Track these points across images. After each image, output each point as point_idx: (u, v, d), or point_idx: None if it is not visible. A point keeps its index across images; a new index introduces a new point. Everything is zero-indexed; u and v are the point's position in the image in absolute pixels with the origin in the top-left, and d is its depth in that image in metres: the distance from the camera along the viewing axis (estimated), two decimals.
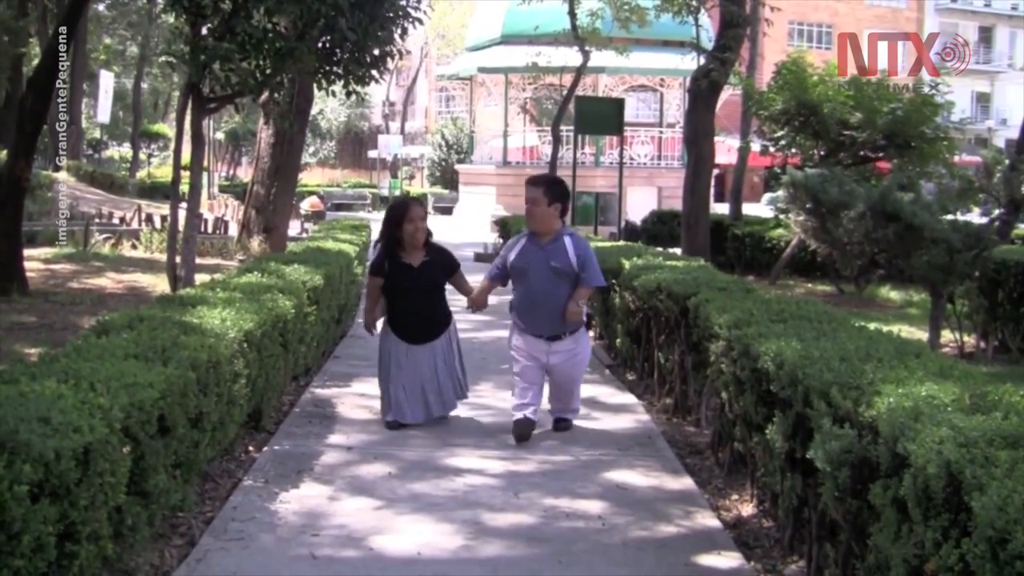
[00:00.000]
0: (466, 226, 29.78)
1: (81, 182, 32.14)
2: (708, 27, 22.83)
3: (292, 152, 17.45)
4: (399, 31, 10.53)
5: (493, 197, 31.43)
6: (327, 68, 10.42)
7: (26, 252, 12.96)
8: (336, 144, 63.56)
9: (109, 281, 13.64)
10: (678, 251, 14.00)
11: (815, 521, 3.92)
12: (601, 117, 20.63)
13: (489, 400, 7.30)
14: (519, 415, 6.28)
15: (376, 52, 10.33)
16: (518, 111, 35.16)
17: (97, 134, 52.77)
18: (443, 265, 6.64)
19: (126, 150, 56.46)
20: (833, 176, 12.12)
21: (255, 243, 16.62)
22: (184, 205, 10.13)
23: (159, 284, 12.48)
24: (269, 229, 16.82)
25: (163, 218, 17.59)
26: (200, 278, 8.74)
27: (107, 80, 39.02)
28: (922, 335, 10.05)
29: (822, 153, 16.20)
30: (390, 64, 10.92)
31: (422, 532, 4.58)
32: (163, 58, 14.13)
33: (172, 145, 13.27)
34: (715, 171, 19.34)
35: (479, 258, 18.76)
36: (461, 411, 6.81)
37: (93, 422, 3.03)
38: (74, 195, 25.70)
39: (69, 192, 25.08)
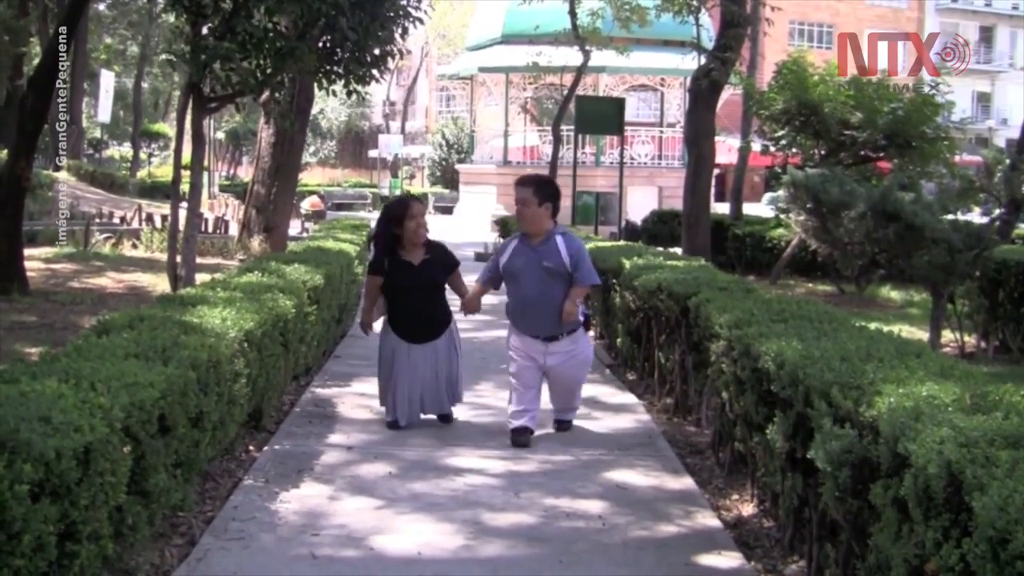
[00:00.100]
0: (466, 226, 29.78)
1: (82, 181, 32.15)
2: (709, 27, 22.85)
3: (293, 152, 17.45)
4: (400, 31, 10.53)
5: (493, 197, 31.44)
6: (328, 67, 10.42)
7: (26, 252, 12.97)
8: (337, 144, 63.58)
9: (110, 281, 13.65)
10: (679, 251, 14.01)
11: (816, 521, 3.92)
12: (602, 117, 20.66)
13: (489, 400, 7.29)
14: (517, 423, 6.22)
15: (377, 52, 10.33)
16: (519, 111, 35.19)
17: (98, 134, 52.77)
18: (443, 263, 6.60)
19: (126, 150, 56.49)
20: (834, 176, 12.11)
21: (255, 243, 16.62)
22: (185, 205, 10.13)
23: (159, 284, 12.49)
24: (269, 229, 16.82)
25: (163, 218, 17.59)
26: (200, 278, 8.74)
27: (108, 79, 39.03)
28: (923, 335, 10.04)
29: (823, 153, 16.20)
30: (391, 64, 10.91)
31: (422, 532, 4.58)
32: (164, 56, 14.13)
33: (172, 145, 13.26)
34: (716, 171, 19.34)
35: (479, 258, 18.75)
36: (461, 411, 6.80)
37: (94, 422, 3.03)
38: (74, 195, 25.71)
39: (70, 192, 25.10)
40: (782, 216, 15.13)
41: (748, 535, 4.69)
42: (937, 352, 4.23)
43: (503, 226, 21.52)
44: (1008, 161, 13.95)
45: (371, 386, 6.97)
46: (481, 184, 33.53)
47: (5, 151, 17.99)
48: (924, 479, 2.72)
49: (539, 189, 6.30)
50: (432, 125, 58.27)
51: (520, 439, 6.16)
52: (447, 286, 6.67)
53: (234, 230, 19.62)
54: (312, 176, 52.96)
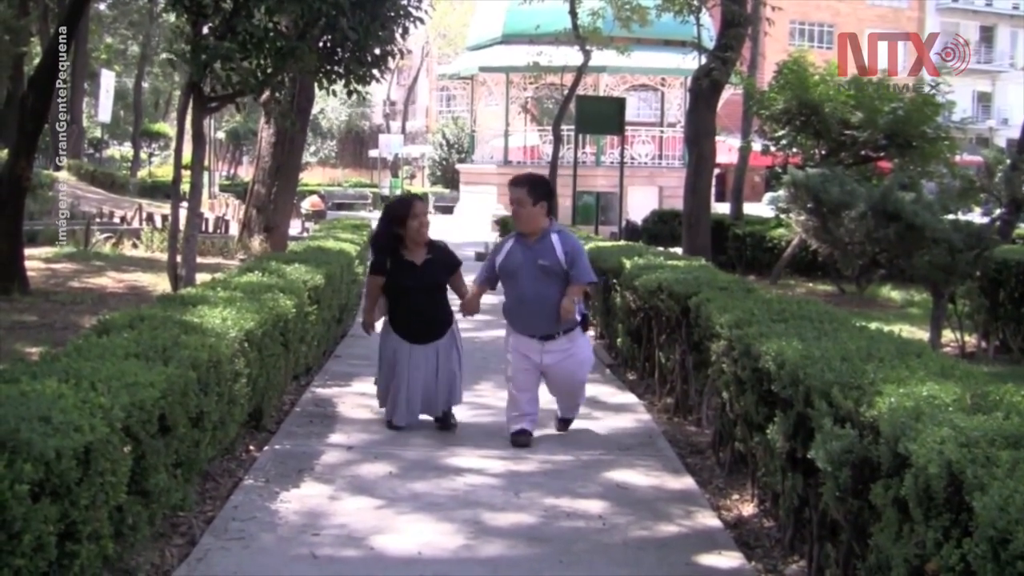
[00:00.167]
0: (467, 225, 29.79)
1: (82, 181, 32.15)
2: (709, 26, 22.84)
3: (293, 151, 17.46)
4: (400, 30, 10.53)
5: (494, 196, 31.44)
6: (328, 67, 10.42)
7: (27, 251, 12.97)
8: (337, 143, 63.60)
9: (110, 280, 13.65)
10: (679, 251, 14.00)
11: (816, 521, 3.92)
12: (602, 116, 20.66)
13: (489, 400, 7.29)
14: (516, 427, 6.21)
15: (377, 51, 10.33)
16: (519, 110, 35.20)
17: (98, 133, 52.74)
18: (445, 263, 6.55)
19: (127, 149, 56.50)
20: (834, 176, 12.10)
21: (256, 242, 16.62)
22: (185, 204, 10.13)
23: (160, 283, 12.48)
24: (270, 228, 16.83)
25: (164, 217, 17.60)
26: (201, 277, 8.74)
27: (108, 79, 39.04)
28: (923, 335, 10.04)
29: (823, 153, 16.20)
30: (391, 63, 10.92)
31: (423, 532, 4.58)
32: (164, 56, 14.13)
33: (173, 144, 13.26)
34: (716, 171, 19.34)
35: (479, 257, 18.75)
36: (461, 411, 6.79)
37: (94, 421, 3.03)
38: (75, 194, 25.71)
39: (70, 191, 25.10)
40: (782, 216, 15.13)
41: (748, 535, 4.69)
42: (938, 352, 4.23)
43: (503, 226, 21.52)
44: (1009, 161, 13.95)
45: (372, 386, 6.97)
46: (481, 184, 33.53)
47: (6, 151, 17.99)
48: (925, 479, 2.71)
49: (533, 188, 6.24)
50: (432, 125, 58.27)
51: (520, 439, 6.16)
52: (448, 286, 6.62)
53: (234, 230, 19.62)
54: (312, 176, 52.97)
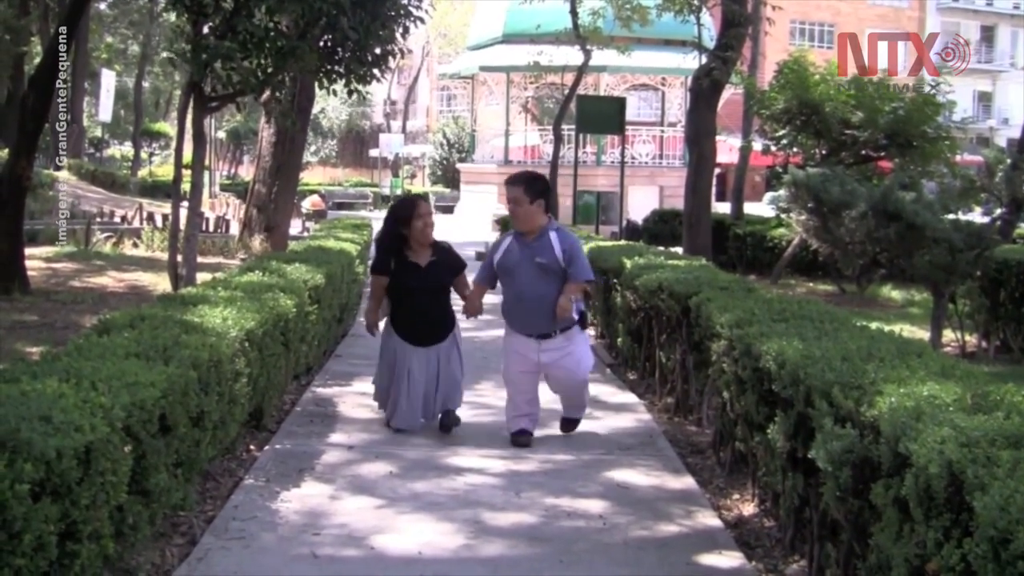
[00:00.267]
0: (467, 225, 29.78)
1: (82, 181, 32.15)
2: (710, 26, 22.82)
3: (294, 151, 17.46)
4: (401, 30, 10.53)
5: (494, 196, 31.42)
6: (329, 67, 10.42)
7: (27, 251, 12.97)
8: (338, 143, 63.60)
9: (110, 280, 13.65)
10: (679, 250, 14.00)
11: (816, 521, 3.92)
12: (602, 116, 20.65)
13: (490, 399, 7.28)
14: (516, 427, 6.20)
15: (378, 51, 10.33)
16: (519, 110, 35.19)
17: (98, 133, 52.81)
18: (450, 265, 6.48)
19: (127, 149, 56.50)
20: (835, 175, 12.10)
21: (256, 242, 16.62)
22: (185, 204, 10.13)
23: (160, 283, 12.49)
24: (270, 228, 16.82)
25: (164, 217, 17.59)
26: (201, 277, 8.74)
27: (108, 79, 39.02)
28: (924, 335, 10.04)
29: (824, 152, 16.19)
30: (391, 63, 10.92)
31: (423, 531, 4.58)
32: (165, 55, 14.14)
33: (173, 144, 13.27)
34: (717, 170, 19.35)
35: (480, 257, 18.74)
36: (462, 411, 6.77)
37: (94, 421, 3.03)
38: (75, 194, 25.71)
39: (70, 191, 25.11)
40: (783, 216, 15.11)
41: (749, 535, 4.69)
42: (938, 352, 4.23)
43: (504, 225, 21.49)
44: (1009, 161, 13.94)
45: (372, 386, 6.96)
46: (482, 183, 33.52)
47: (6, 150, 18.00)
48: (925, 479, 2.71)
49: (529, 187, 6.17)
50: (433, 124, 58.28)
51: (520, 439, 6.15)
52: (452, 288, 6.55)
53: (235, 229, 19.62)
54: (313, 175, 52.96)
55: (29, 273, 12.29)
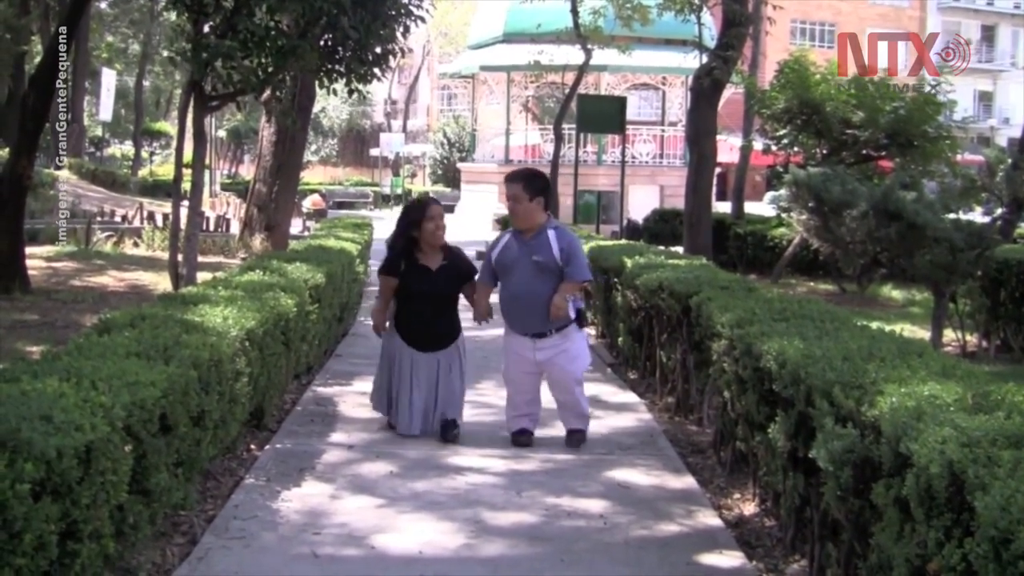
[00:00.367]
0: (468, 224, 29.76)
1: (83, 180, 32.15)
2: (710, 25, 22.82)
3: (294, 150, 17.46)
4: (401, 29, 10.53)
5: (495, 195, 31.41)
6: (329, 66, 10.42)
7: (28, 250, 12.97)
8: (338, 142, 63.58)
9: (111, 279, 13.65)
10: (680, 250, 13.99)
11: (817, 520, 3.92)
12: (603, 115, 20.65)
13: (491, 399, 7.27)
14: (516, 426, 6.17)
15: (378, 50, 10.33)
16: (520, 109, 35.19)
17: (99, 132, 52.86)
18: (461, 272, 6.36)
19: (128, 148, 56.52)
20: (835, 175, 12.09)
21: (257, 241, 16.63)
22: (186, 203, 10.13)
23: (161, 282, 12.49)
24: (271, 227, 16.83)
25: (165, 216, 17.59)
26: (202, 276, 8.74)
27: (109, 78, 39.03)
28: (924, 334, 10.04)
29: (824, 152, 16.18)
30: (392, 62, 10.91)
31: (424, 531, 4.58)
32: (165, 54, 14.15)
33: (174, 143, 13.27)
34: (717, 170, 19.33)
35: (481, 256, 18.76)
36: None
37: (95, 420, 3.03)
38: (76, 193, 25.71)
39: (71, 190, 25.11)
40: (784, 215, 15.10)
41: (750, 534, 4.69)
42: (939, 351, 4.23)
43: (505, 225, 21.50)
44: (1010, 160, 13.94)
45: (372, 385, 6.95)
46: (483, 183, 33.51)
47: (7, 149, 18.00)
48: (926, 479, 2.71)
49: (529, 184, 6.11)
50: (434, 123, 58.27)
51: (521, 439, 6.13)
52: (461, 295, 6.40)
53: (235, 229, 19.61)
54: (314, 174, 52.93)
55: (30, 272, 12.30)
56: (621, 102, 21.34)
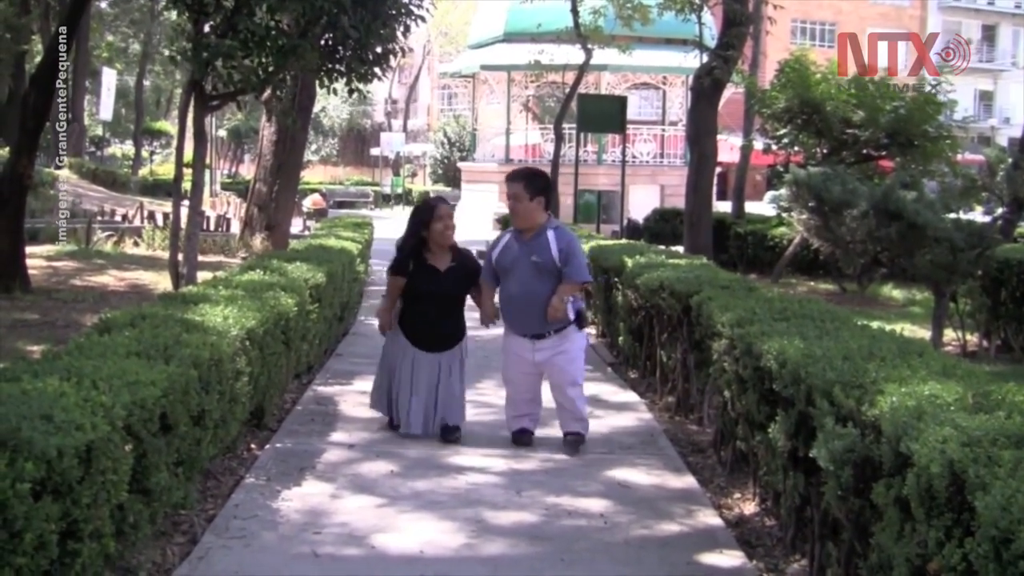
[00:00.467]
0: (469, 223, 29.76)
1: (83, 179, 32.17)
2: (711, 25, 22.82)
3: (294, 149, 17.47)
4: (402, 29, 10.53)
5: (495, 195, 31.41)
6: (329, 66, 10.42)
7: (28, 249, 12.97)
8: (338, 141, 63.59)
9: (111, 279, 13.65)
10: (680, 249, 13.99)
11: (817, 520, 3.92)
12: (603, 115, 20.65)
13: (491, 398, 7.27)
14: (516, 426, 6.16)
15: (378, 50, 10.33)
16: (520, 109, 35.18)
17: (99, 131, 52.86)
18: (469, 273, 6.31)
19: (128, 147, 56.54)
20: (836, 174, 12.08)
21: (257, 241, 16.63)
22: (186, 202, 10.13)
23: (161, 282, 12.49)
24: (271, 226, 16.83)
25: (165, 215, 17.60)
26: (202, 276, 8.74)
27: (109, 77, 39.03)
28: (925, 334, 10.04)
29: (825, 151, 16.18)
30: (392, 62, 10.92)
31: (424, 530, 4.58)
32: (166, 54, 14.15)
33: (174, 142, 13.27)
34: (718, 169, 19.32)
35: (481, 256, 18.75)
36: None
37: (95, 420, 3.03)
38: (76, 192, 25.72)
39: (71, 189, 25.11)
40: (784, 215, 15.10)
41: (750, 534, 4.69)
42: (939, 351, 4.23)
43: (505, 224, 21.51)
44: (1010, 160, 13.94)
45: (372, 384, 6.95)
46: (483, 182, 33.50)
47: (7, 149, 18.00)
48: (927, 478, 2.71)
49: (530, 183, 6.08)
50: (434, 123, 58.28)
51: (521, 439, 6.13)
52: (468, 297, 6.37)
53: (236, 228, 19.62)
54: (314, 174, 52.94)
55: (30, 272, 12.30)
56: (621, 102, 21.33)
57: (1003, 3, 61.95)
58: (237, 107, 14.51)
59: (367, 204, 44.13)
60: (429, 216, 6.25)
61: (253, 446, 5.83)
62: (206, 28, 9.68)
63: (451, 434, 6.16)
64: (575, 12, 21.45)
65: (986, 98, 59.99)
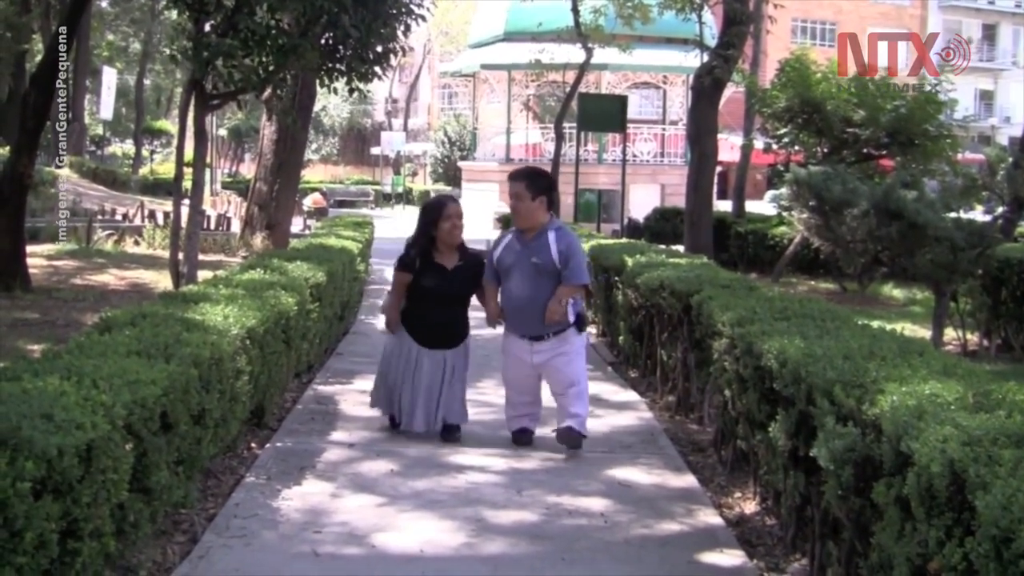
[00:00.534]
0: (469, 223, 29.69)
1: (84, 178, 32.19)
2: (711, 24, 22.81)
3: (295, 149, 17.47)
4: (402, 28, 10.53)
5: (496, 194, 31.41)
6: (330, 65, 10.42)
7: (29, 248, 12.97)
8: (339, 140, 63.59)
9: (112, 278, 13.65)
10: (681, 248, 13.99)
11: (818, 519, 3.92)
12: (604, 114, 20.65)
13: (491, 398, 7.26)
14: (516, 426, 6.14)
15: (379, 49, 10.33)
16: (521, 108, 35.20)
17: (100, 130, 52.83)
18: (476, 273, 6.26)
19: (129, 146, 56.50)
20: (836, 174, 12.08)
21: (258, 240, 16.63)
22: (187, 201, 10.14)
23: (162, 281, 12.48)
24: (272, 226, 16.84)
25: (166, 214, 17.61)
26: (203, 275, 8.74)
27: (110, 76, 39.02)
28: (925, 333, 10.03)
29: (825, 150, 16.17)
30: (393, 61, 10.92)
31: (424, 529, 4.58)
32: (166, 53, 14.16)
33: (175, 141, 13.27)
34: (718, 168, 19.33)
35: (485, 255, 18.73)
36: None
37: (96, 419, 3.03)
38: (77, 191, 25.73)
39: (72, 189, 25.12)
40: (784, 214, 15.09)
41: (750, 533, 4.69)
42: (940, 350, 4.23)
43: (506, 223, 21.51)
44: (1011, 159, 13.93)
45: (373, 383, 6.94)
46: (483, 181, 33.50)
47: (7, 148, 18.00)
48: (927, 478, 2.71)
49: (532, 183, 6.05)
50: (434, 122, 58.29)
51: (522, 438, 6.12)
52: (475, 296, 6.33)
53: (236, 227, 19.62)
54: (314, 173, 52.94)
55: (30, 271, 12.29)
56: (622, 101, 21.34)
57: (1003, 2, 61.91)
58: (238, 106, 14.52)
59: (367, 203, 44.15)
60: (437, 215, 6.24)
61: (253, 445, 5.83)
62: (207, 27, 9.68)
63: (452, 434, 6.17)
64: (575, 11, 21.44)
65: (986, 97, 59.96)
